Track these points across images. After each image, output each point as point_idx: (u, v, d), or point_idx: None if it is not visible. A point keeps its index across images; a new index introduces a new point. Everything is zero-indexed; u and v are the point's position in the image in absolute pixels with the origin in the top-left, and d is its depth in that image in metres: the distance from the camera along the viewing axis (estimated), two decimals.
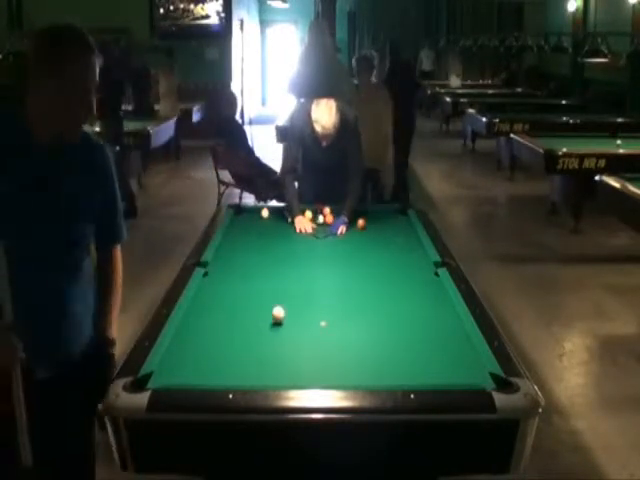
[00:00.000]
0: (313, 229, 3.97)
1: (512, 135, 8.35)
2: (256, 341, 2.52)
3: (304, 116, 4.25)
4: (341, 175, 4.30)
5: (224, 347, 2.47)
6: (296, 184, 4.39)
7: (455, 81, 15.28)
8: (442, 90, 14.25)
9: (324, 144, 4.22)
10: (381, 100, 6.28)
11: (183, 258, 3.41)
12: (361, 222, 4.01)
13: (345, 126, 4.20)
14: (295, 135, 4.34)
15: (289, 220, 4.11)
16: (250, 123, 9.34)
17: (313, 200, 4.28)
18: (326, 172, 4.34)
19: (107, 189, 2.12)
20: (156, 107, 10.25)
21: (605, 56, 9.70)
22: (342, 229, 3.94)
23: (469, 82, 15.98)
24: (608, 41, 9.76)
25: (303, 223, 4.00)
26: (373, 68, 6.64)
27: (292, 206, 4.14)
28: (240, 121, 9.17)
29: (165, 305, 2.75)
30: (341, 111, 4.16)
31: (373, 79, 6.81)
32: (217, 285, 3.09)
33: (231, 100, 7.77)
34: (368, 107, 5.25)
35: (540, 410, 2.04)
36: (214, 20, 12.82)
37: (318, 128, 4.14)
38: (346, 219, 4.00)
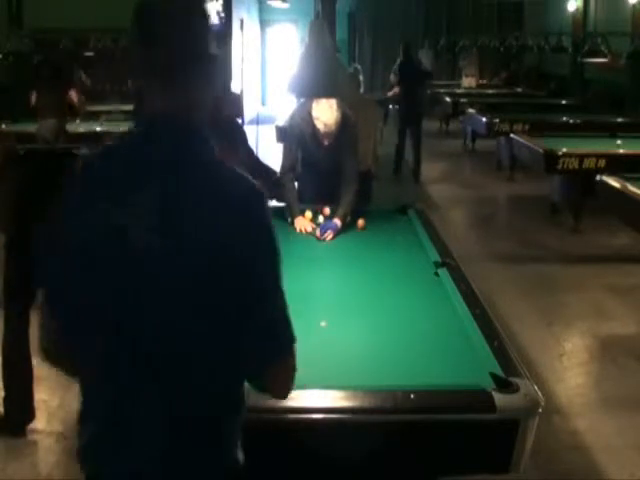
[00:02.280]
0: (313, 229, 3.97)
1: (512, 135, 8.34)
2: None
3: (304, 115, 4.24)
4: (342, 174, 4.29)
5: None
6: (296, 184, 4.39)
7: (469, 82, 15.15)
8: (442, 90, 14.24)
9: (325, 143, 4.21)
10: (370, 109, 6.27)
11: None
12: (361, 222, 4.01)
13: (346, 124, 4.19)
14: (295, 135, 4.32)
15: (290, 220, 4.11)
16: (257, 123, 9.33)
17: (313, 200, 4.28)
18: (326, 173, 4.33)
19: None
20: None
21: (605, 56, 9.71)
22: (329, 234, 3.84)
23: (484, 82, 15.86)
24: (608, 41, 9.77)
25: (303, 223, 4.00)
26: (359, 80, 6.68)
27: (292, 207, 4.12)
28: (240, 121, 9.15)
29: None
30: (342, 109, 4.16)
31: (361, 91, 6.85)
32: None
33: (234, 100, 7.77)
34: (359, 115, 5.26)
35: (540, 410, 2.04)
36: (214, 20, 12.80)
37: (320, 126, 4.12)
38: (338, 223, 3.90)
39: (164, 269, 1.27)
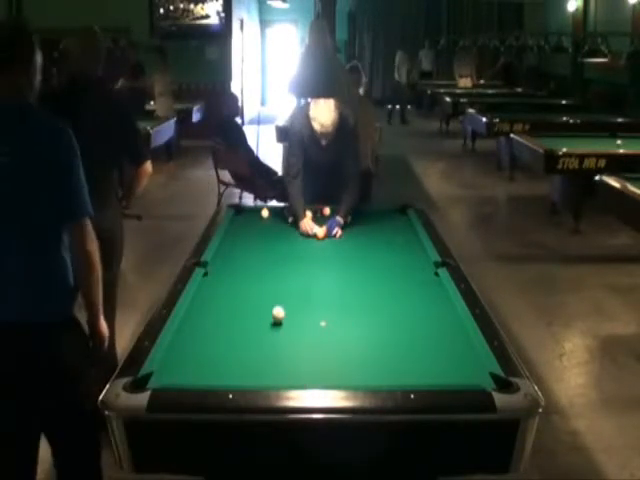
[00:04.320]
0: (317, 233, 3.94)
1: (512, 135, 8.34)
2: (256, 341, 2.52)
3: (302, 117, 4.24)
4: (341, 175, 4.29)
5: (224, 347, 2.47)
6: (300, 189, 4.34)
7: (464, 82, 15.11)
8: (442, 90, 14.25)
9: (323, 143, 4.21)
10: (368, 109, 6.26)
11: (183, 258, 3.41)
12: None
13: (344, 125, 4.18)
14: (296, 140, 4.30)
15: (290, 220, 4.11)
16: (259, 123, 9.36)
17: (313, 200, 4.27)
18: (326, 172, 4.33)
19: None
20: (150, 107, 10.24)
21: (605, 56, 9.71)
22: (337, 231, 3.89)
23: (482, 82, 15.88)
24: (608, 41, 9.76)
25: (309, 226, 3.95)
26: (361, 77, 6.65)
27: (297, 212, 4.06)
28: (240, 121, 9.17)
29: (165, 305, 2.75)
30: (340, 110, 4.15)
31: (361, 90, 6.83)
32: (217, 285, 3.09)
33: (233, 101, 7.77)
34: (358, 116, 5.25)
35: (540, 410, 2.04)
36: (214, 20, 12.81)
37: (317, 127, 4.11)
38: (341, 220, 3.96)
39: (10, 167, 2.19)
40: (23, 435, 2.29)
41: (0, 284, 2.19)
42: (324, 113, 4.09)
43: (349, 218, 4.06)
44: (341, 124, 4.15)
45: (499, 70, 15.73)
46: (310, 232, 3.91)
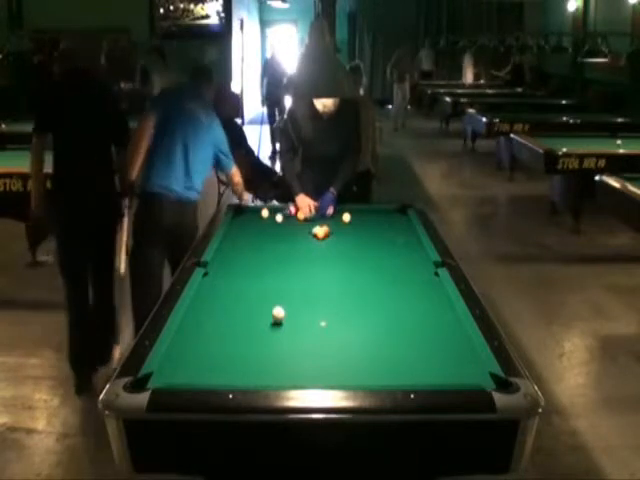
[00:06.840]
0: (316, 208, 4.14)
1: (512, 135, 8.35)
2: (256, 341, 2.52)
3: (305, 100, 4.43)
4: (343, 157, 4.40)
5: (224, 347, 2.47)
6: (294, 166, 4.54)
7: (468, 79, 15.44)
8: (442, 90, 14.26)
9: (325, 117, 4.34)
10: (368, 109, 6.26)
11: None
12: (346, 217, 4.08)
13: (347, 101, 4.37)
14: (293, 118, 4.47)
15: (290, 213, 4.17)
16: (262, 123, 9.37)
17: (313, 197, 4.27)
18: (327, 160, 4.34)
19: None
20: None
21: (605, 56, 9.72)
22: (330, 210, 4.13)
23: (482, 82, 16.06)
24: (608, 41, 9.78)
25: (306, 202, 4.14)
26: (361, 77, 6.67)
27: (292, 185, 4.30)
28: (240, 122, 9.18)
29: (165, 305, 2.75)
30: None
31: (361, 90, 6.84)
32: (217, 285, 3.09)
33: (233, 101, 7.76)
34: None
35: (540, 410, 2.04)
36: (214, 20, 12.82)
37: (319, 106, 4.28)
38: (334, 193, 4.19)
39: (199, 122, 4.04)
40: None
41: (178, 179, 3.93)
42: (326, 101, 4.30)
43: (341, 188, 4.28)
44: (343, 102, 4.33)
45: (511, 70, 15.75)
46: (308, 208, 4.13)
